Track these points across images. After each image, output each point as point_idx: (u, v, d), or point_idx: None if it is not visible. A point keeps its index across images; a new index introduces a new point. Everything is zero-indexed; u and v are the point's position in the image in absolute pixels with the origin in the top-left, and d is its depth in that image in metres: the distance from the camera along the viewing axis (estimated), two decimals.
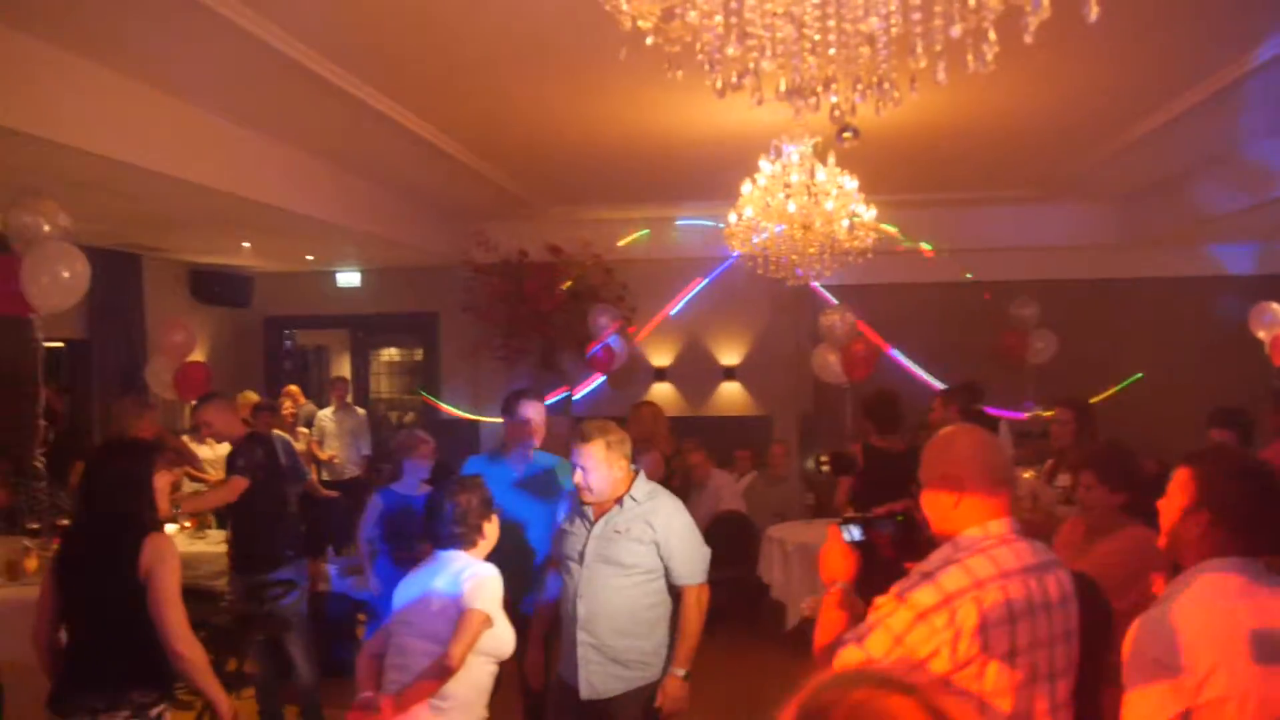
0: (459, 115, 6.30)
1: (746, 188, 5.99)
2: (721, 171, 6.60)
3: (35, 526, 5.21)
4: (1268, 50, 4.90)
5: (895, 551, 2.42)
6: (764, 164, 5.87)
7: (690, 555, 3.68)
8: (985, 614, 2.07)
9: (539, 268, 9.63)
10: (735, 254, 6.29)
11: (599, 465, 3.58)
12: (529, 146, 7.21)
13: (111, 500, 3.29)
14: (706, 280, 9.90)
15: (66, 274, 5.43)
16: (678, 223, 9.72)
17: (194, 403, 6.26)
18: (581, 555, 3.65)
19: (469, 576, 3.33)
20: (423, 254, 9.50)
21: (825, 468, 3.93)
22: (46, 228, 5.44)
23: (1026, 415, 8.71)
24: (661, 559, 3.61)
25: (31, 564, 5.01)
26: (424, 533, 3.60)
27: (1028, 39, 1.89)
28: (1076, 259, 9.60)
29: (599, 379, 9.87)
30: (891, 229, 7.89)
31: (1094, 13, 1.84)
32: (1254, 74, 5.21)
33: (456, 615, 3.26)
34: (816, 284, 8.00)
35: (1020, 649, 2.10)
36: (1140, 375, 9.23)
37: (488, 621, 3.30)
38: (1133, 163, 7.51)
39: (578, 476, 3.61)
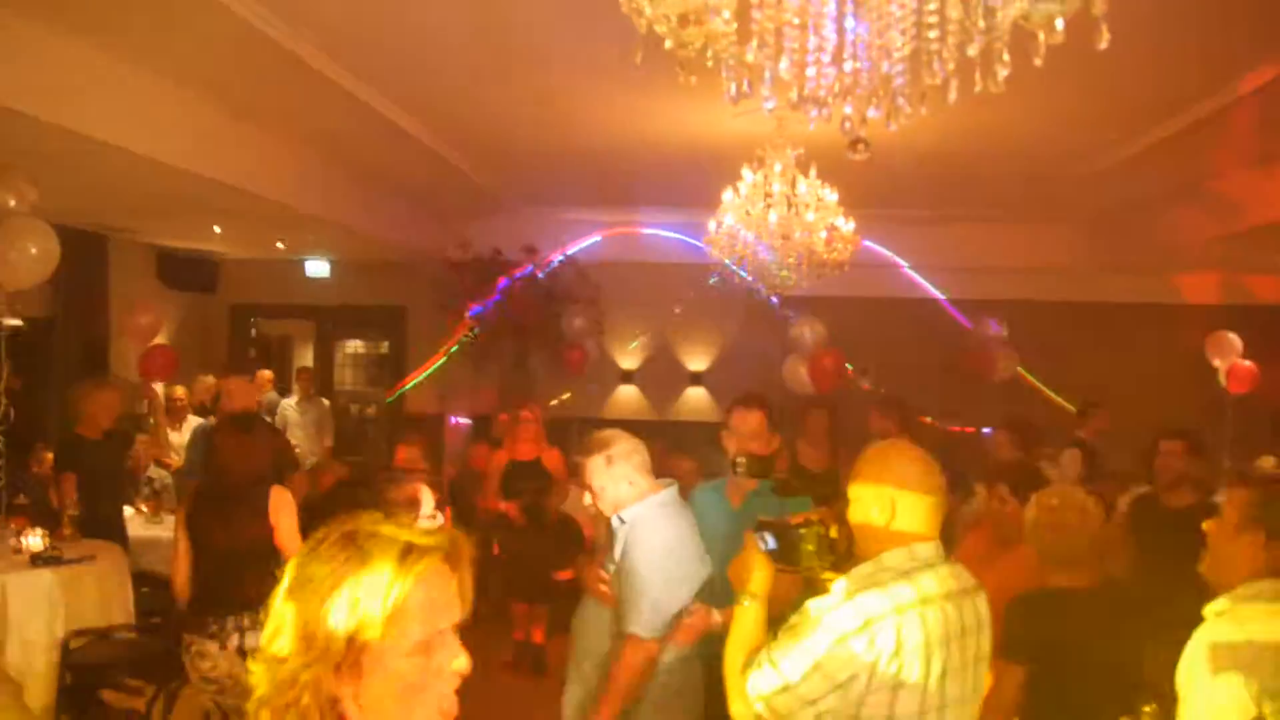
0: (439, 107, 6.28)
1: (728, 195, 6.02)
2: (702, 178, 6.62)
3: None
4: (1245, 84, 5.00)
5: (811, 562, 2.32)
6: (746, 173, 5.91)
7: (629, 598, 3.05)
8: (904, 640, 2.06)
9: (513, 267, 9.60)
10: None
11: (600, 482, 3.18)
12: (509, 143, 7.21)
13: (243, 463, 4.18)
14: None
15: (35, 250, 5.34)
16: (645, 230, 9.73)
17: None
18: None
19: None
20: (395, 248, 9.43)
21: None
22: (13, 202, 5.35)
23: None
24: None
25: None
26: None
27: (1037, 62, 1.92)
28: (1043, 281, 9.72)
29: None
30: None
31: (1104, 39, 1.88)
32: (1230, 108, 5.32)
33: None
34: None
35: (934, 676, 2.09)
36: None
37: None
38: (1104, 188, 7.64)
39: (585, 496, 3.25)
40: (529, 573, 6.48)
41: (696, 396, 10.45)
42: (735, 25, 1.89)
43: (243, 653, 3.89)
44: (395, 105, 6.15)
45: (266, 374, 9.74)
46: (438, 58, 5.29)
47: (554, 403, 9.79)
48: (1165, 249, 8.35)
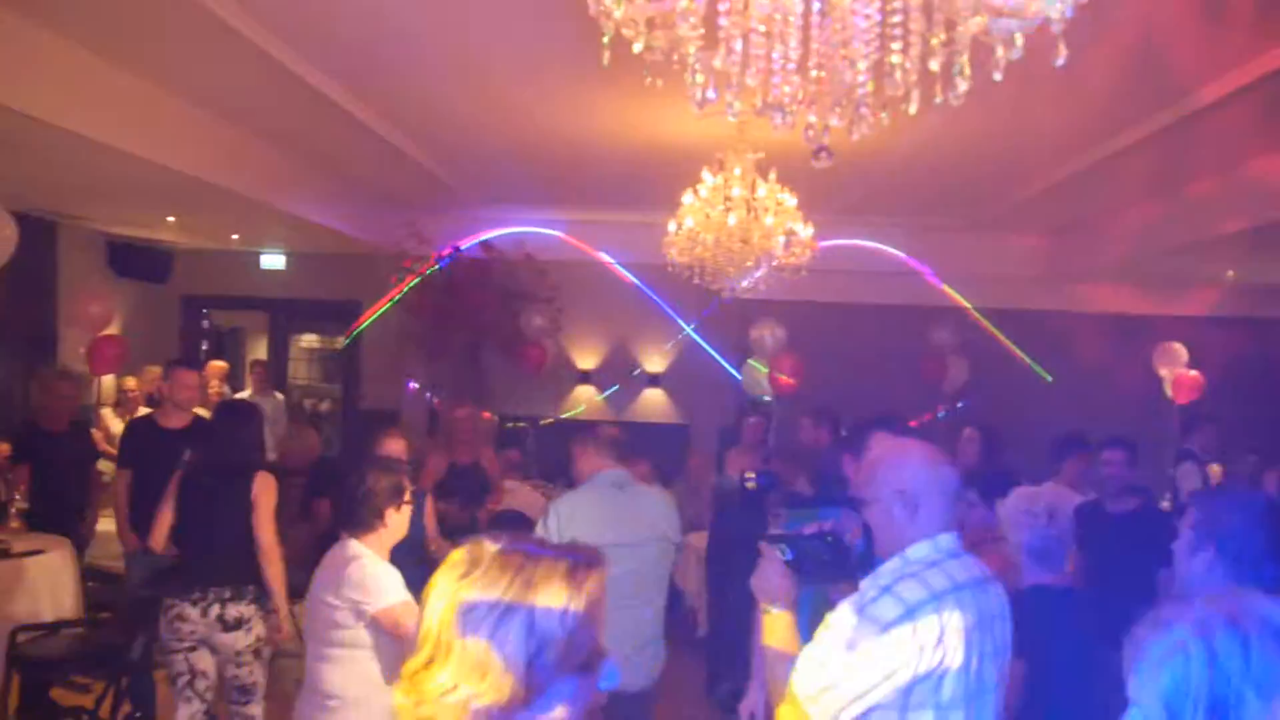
0: (399, 101, 6.25)
1: (688, 198, 6.06)
2: (662, 180, 6.65)
3: None
4: (1208, 94, 5.10)
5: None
6: (706, 175, 5.95)
7: None
8: (944, 626, 2.10)
9: (470, 264, 9.57)
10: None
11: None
12: (469, 140, 7.19)
13: (231, 449, 4.49)
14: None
15: None
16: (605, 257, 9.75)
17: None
18: None
19: (353, 571, 3.26)
20: (351, 242, 9.36)
21: (751, 485, 3.88)
22: None
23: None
24: None
25: None
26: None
27: (997, 76, 1.97)
28: (996, 289, 9.85)
29: None
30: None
31: (1061, 55, 1.93)
32: (1190, 119, 5.42)
33: (352, 620, 3.23)
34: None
35: (974, 660, 2.15)
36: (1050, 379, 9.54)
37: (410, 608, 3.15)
38: (1064, 198, 7.77)
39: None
40: None
41: (653, 398, 10.48)
42: (703, 31, 1.91)
43: (222, 621, 4.24)
44: (356, 99, 6.11)
45: (219, 365, 9.57)
46: (399, 51, 5.27)
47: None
48: (1121, 260, 8.50)
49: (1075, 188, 7.30)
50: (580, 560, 1.37)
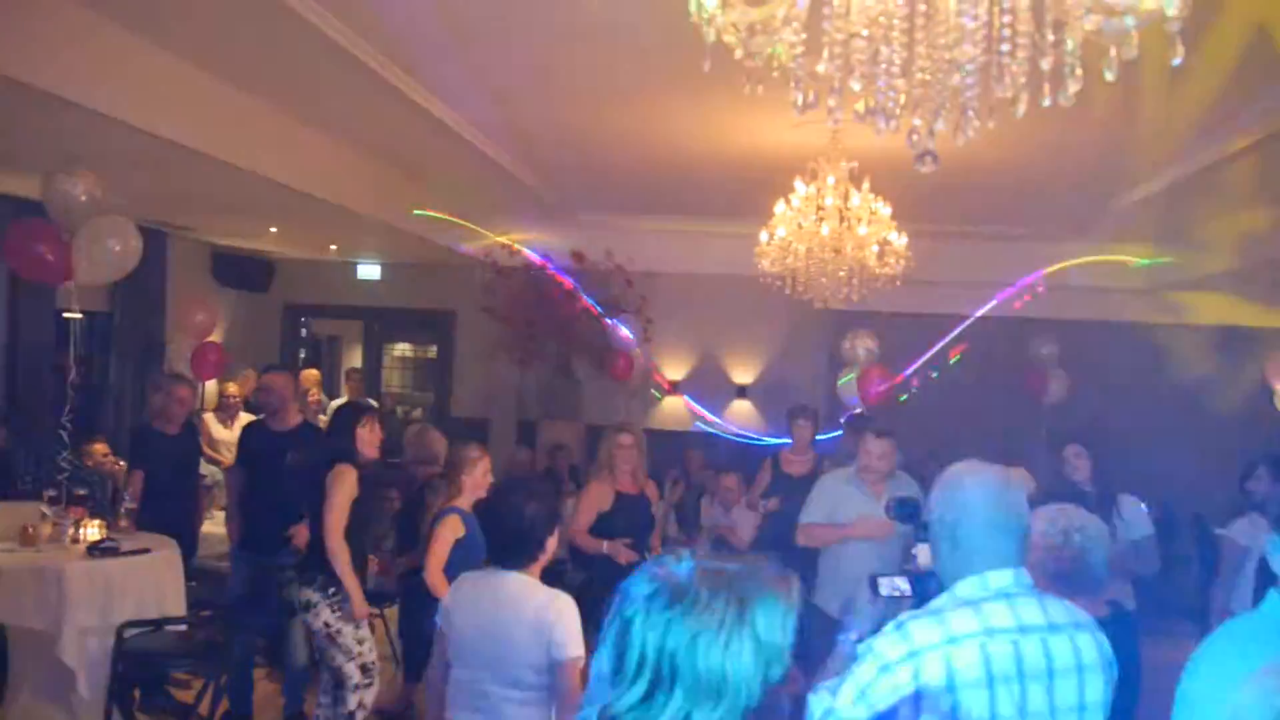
0: (495, 113, 6.33)
1: (780, 207, 6.03)
2: (754, 190, 6.62)
3: (53, 494, 5.21)
4: None
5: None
6: (799, 185, 5.90)
7: None
8: (957, 671, 1.97)
9: (561, 274, 9.66)
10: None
11: None
12: (562, 150, 7.25)
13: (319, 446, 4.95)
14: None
15: (118, 248, 5.43)
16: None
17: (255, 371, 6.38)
18: None
19: (554, 613, 2.94)
20: (446, 251, 9.52)
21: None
22: (83, 198, 5.43)
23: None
24: None
25: (46, 530, 5.01)
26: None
27: (1110, 76, 1.91)
28: (1096, 301, 9.56)
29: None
30: None
31: (1179, 54, 1.86)
32: None
33: (544, 662, 2.89)
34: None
35: (1004, 714, 1.98)
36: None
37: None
38: (1169, 207, 7.51)
39: None
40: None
41: (741, 409, 10.42)
42: (805, 36, 1.89)
43: (302, 603, 4.60)
44: (452, 110, 6.21)
45: (313, 374, 9.81)
46: (495, 63, 5.33)
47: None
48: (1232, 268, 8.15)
49: (1180, 194, 7.04)
50: (774, 567, 1.38)
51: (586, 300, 9.55)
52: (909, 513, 2.93)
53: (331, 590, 4.51)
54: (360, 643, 4.57)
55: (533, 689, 2.90)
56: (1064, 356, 9.39)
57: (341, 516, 4.51)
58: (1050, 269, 9.19)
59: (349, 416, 4.83)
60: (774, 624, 1.31)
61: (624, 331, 9.27)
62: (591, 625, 5.31)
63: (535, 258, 9.71)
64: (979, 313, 9.56)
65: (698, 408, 10.35)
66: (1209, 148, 5.97)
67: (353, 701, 4.51)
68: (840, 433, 7.38)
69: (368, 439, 4.71)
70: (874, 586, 2.36)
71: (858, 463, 5.14)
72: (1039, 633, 2.03)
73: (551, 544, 3.14)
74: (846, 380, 8.90)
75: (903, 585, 2.30)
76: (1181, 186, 6.76)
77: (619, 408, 9.74)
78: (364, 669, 4.57)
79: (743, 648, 1.29)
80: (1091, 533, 2.71)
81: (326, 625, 4.51)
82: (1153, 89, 4.60)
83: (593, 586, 5.17)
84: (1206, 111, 5.30)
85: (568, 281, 9.59)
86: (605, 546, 5.25)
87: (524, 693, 2.91)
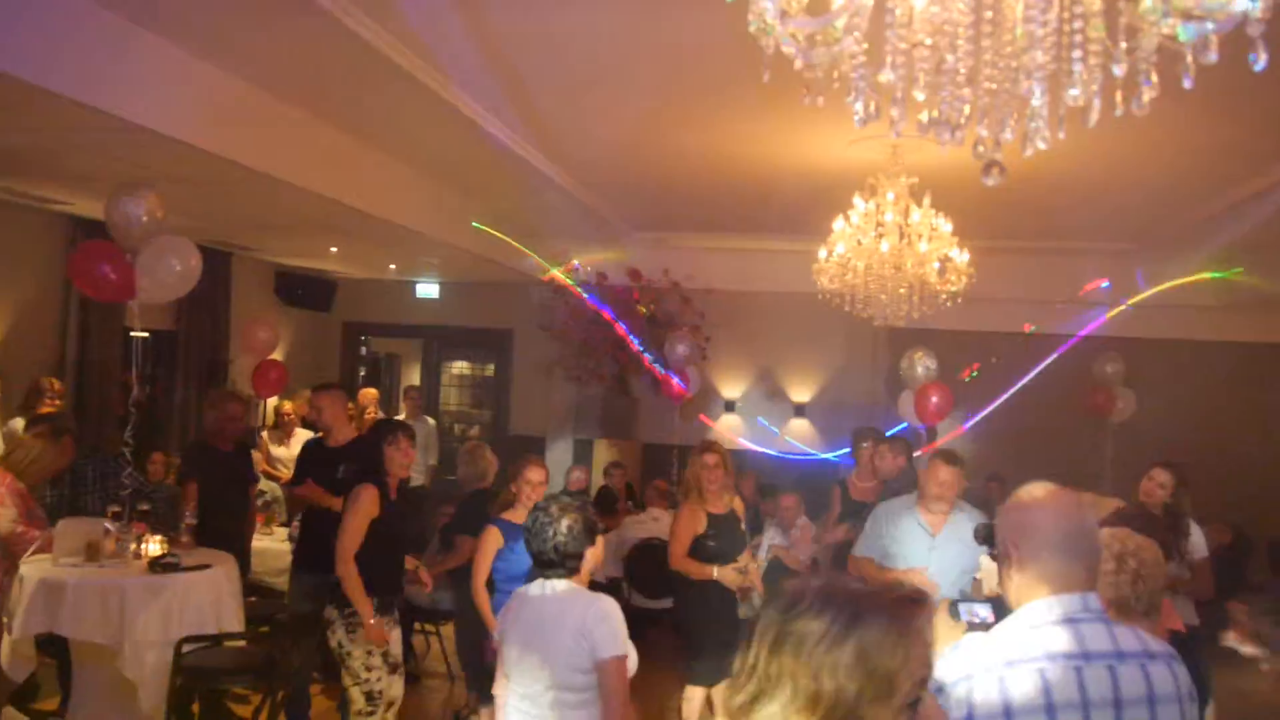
0: (554, 134, 6.34)
1: (839, 224, 5.95)
2: (813, 206, 6.56)
3: (117, 510, 5.28)
4: None
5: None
6: (858, 201, 5.83)
7: None
8: (1012, 696, 1.89)
9: (617, 291, 9.65)
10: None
11: None
12: (618, 168, 7.24)
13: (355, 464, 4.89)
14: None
15: (179, 267, 5.51)
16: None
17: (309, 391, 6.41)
18: None
19: (596, 615, 3.04)
20: (503, 270, 9.56)
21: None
22: (145, 219, 5.51)
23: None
24: None
25: (110, 546, 5.08)
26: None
27: (1187, 84, 1.82)
28: (1161, 317, 9.29)
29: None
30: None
31: (1262, 59, 1.77)
32: None
33: (589, 663, 2.99)
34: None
35: None
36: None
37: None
38: (1238, 222, 7.29)
39: None
40: None
41: (800, 428, 10.30)
42: (867, 45, 1.84)
43: (349, 630, 4.51)
44: (511, 131, 6.23)
45: (372, 392, 9.90)
46: (552, 85, 5.34)
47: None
48: None
49: (1254, 209, 6.83)
50: (906, 597, 1.37)
51: (633, 341, 9.46)
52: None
53: (347, 610, 4.46)
54: (369, 669, 4.47)
55: (586, 690, 3.01)
56: (1130, 374, 9.15)
57: (353, 538, 4.43)
58: (1141, 294, 8.89)
59: (377, 435, 4.81)
60: (883, 645, 1.29)
61: (681, 349, 9.20)
62: (694, 650, 5.24)
63: (583, 294, 9.66)
64: (1061, 330, 9.34)
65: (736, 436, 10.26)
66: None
67: None
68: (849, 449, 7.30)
69: (396, 458, 4.66)
70: (954, 613, 2.27)
71: (921, 490, 4.79)
72: (1105, 660, 1.94)
73: (592, 554, 3.23)
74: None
75: (983, 611, 2.25)
76: (1256, 201, 6.56)
77: (674, 427, 9.70)
78: (368, 696, 4.47)
79: (838, 660, 1.28)
80: (1147, 558, 2.60)
81: (339, 645, 4.47)
82: (1230, 96, 4.48)
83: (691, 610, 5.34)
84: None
85: (619, 328, 9.52)
86: (715, 573, 5.13)
87: (578, 694, 3.01)
